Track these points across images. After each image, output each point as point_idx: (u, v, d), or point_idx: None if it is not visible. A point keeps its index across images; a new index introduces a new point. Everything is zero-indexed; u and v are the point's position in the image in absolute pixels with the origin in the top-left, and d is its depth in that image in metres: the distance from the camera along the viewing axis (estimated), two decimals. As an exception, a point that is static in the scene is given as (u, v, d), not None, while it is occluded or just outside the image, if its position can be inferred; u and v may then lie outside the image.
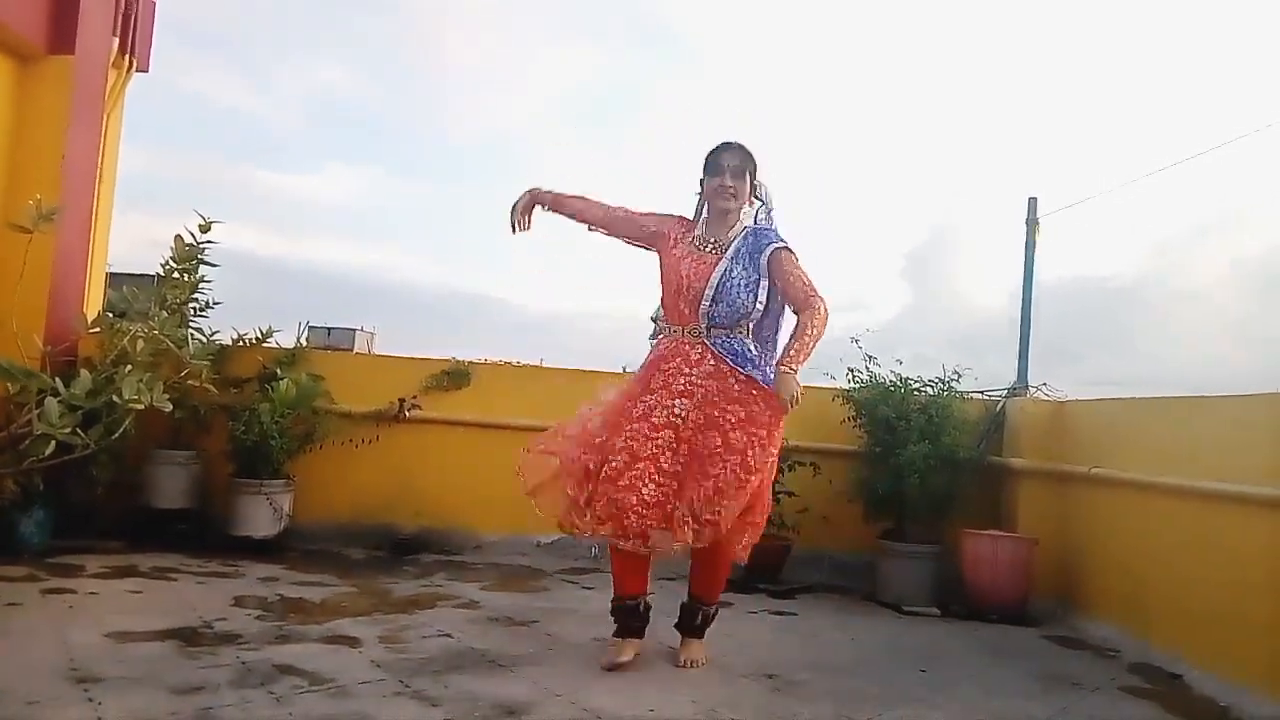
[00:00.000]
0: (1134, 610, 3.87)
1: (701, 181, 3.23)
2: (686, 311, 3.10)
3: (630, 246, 3.34)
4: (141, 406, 4.07)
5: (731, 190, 3.14)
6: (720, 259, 3.10)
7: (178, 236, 4.94)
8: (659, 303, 3.33)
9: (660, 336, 3.27)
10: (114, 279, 6.33)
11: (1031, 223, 5.85)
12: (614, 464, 2.92)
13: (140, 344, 4.33)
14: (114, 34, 5.30)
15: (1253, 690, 3.01)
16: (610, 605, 3.18)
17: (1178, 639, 3.51)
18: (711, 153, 3.18)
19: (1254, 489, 3.16)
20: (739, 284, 3.05)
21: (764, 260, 3.09)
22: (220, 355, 4.94)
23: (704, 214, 3.25)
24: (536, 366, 5.70)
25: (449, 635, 3.32)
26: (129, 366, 4.20)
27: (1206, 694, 3.18)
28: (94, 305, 5.27)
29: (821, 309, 3.00)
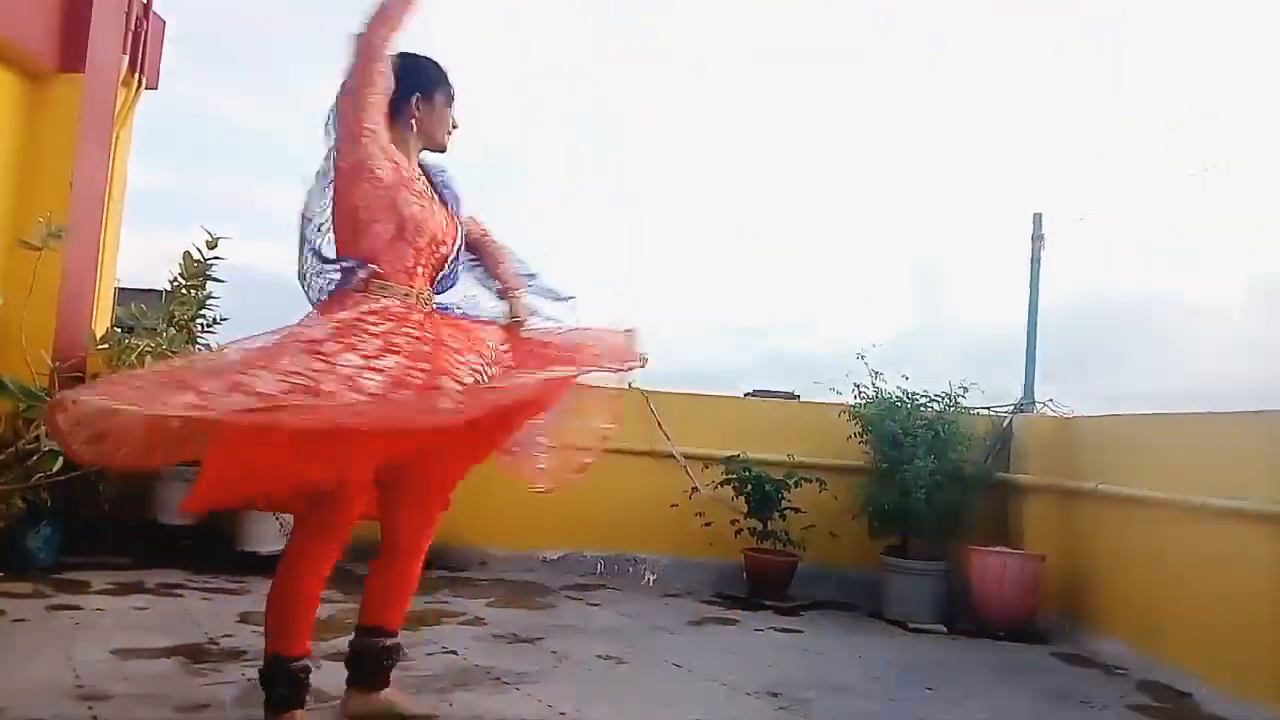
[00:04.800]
0: (1142, 627, 3.85)
1: (417, 97, 2.39)
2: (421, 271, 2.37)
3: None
4: (148, 422, 4.08)
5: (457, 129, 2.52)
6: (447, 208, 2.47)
7: (186, 252, 4.96)
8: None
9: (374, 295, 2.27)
10: (122, 294, 6.35)
11: (1037, 238, 5.86)
12: None
13: (148, 360, 4.35)
14: (124, 51, 5.33)
15: (1262, 707, 2.99)
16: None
17: (1187, 656, 3.49)
18: (441, 67, 2.47)
19: (1263, 505, 3.15)
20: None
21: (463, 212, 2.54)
22: (227, 371, 4.94)
23: (411, 142, 2.41)
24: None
25: (454, 652, 3.31)
26: (136, 382, 4.22)
27: (1216, 712, 3.16)
28: (102, 321, 5.29)
29: None
